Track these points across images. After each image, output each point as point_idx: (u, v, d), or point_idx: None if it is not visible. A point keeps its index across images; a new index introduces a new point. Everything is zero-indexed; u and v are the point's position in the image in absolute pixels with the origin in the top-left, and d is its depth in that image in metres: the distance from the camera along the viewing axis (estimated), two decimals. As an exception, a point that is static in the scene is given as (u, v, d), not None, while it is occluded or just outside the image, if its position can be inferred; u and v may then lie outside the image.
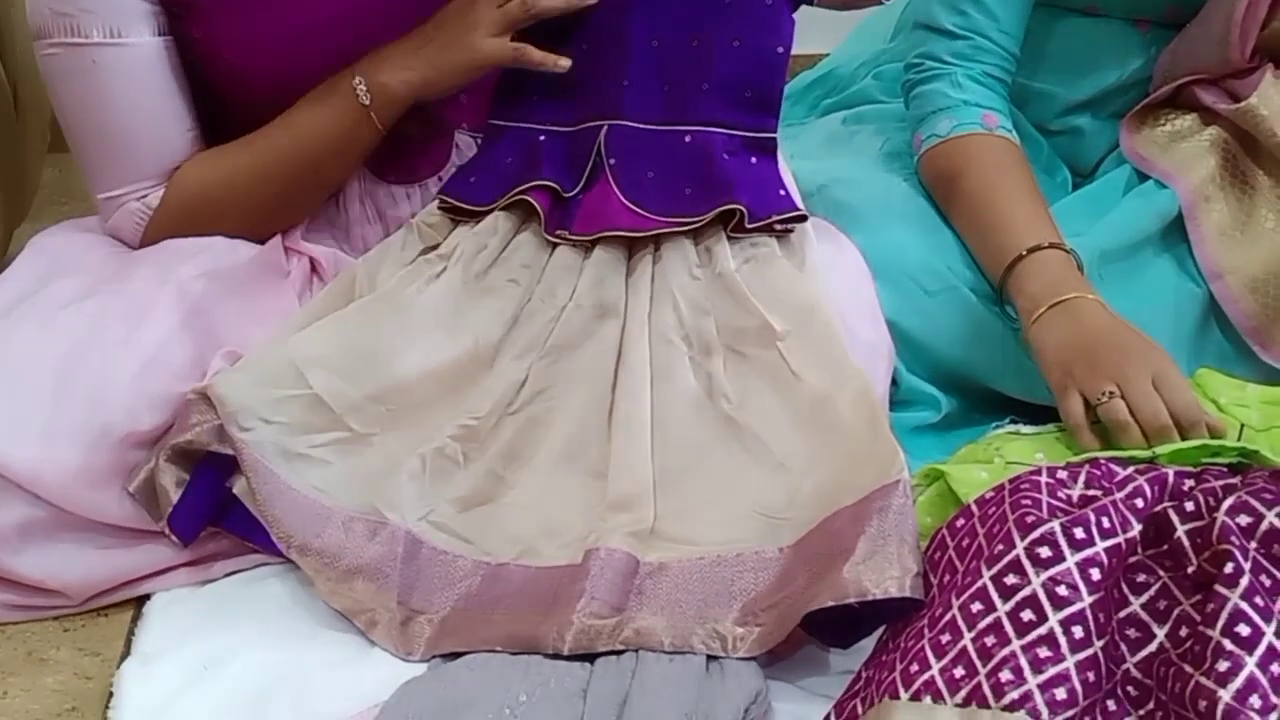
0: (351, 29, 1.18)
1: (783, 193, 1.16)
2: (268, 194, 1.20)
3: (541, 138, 1.19)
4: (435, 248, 1.19)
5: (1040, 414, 1.14)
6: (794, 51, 1.19)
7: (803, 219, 1.16)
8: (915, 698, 0.83)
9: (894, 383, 1.19)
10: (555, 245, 1.16)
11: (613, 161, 1.16)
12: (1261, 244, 1.19)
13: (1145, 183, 1.26)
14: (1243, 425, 1.03)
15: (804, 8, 1.20)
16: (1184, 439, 0.99)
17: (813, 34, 1.31)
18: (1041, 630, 0.82)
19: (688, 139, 1.17)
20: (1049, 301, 1.10)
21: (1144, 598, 0.86)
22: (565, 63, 1.17)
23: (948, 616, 0.85)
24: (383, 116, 1.19)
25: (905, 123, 1.32)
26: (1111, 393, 1.02)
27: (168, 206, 1.19)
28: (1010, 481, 0.91)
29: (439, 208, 1.21)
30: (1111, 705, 0.84)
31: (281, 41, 1.17)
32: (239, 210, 1.20)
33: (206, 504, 1.07)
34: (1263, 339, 1.18)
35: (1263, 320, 1.18)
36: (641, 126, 1.17)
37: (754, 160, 1.17)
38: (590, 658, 0.96)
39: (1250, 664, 0.78)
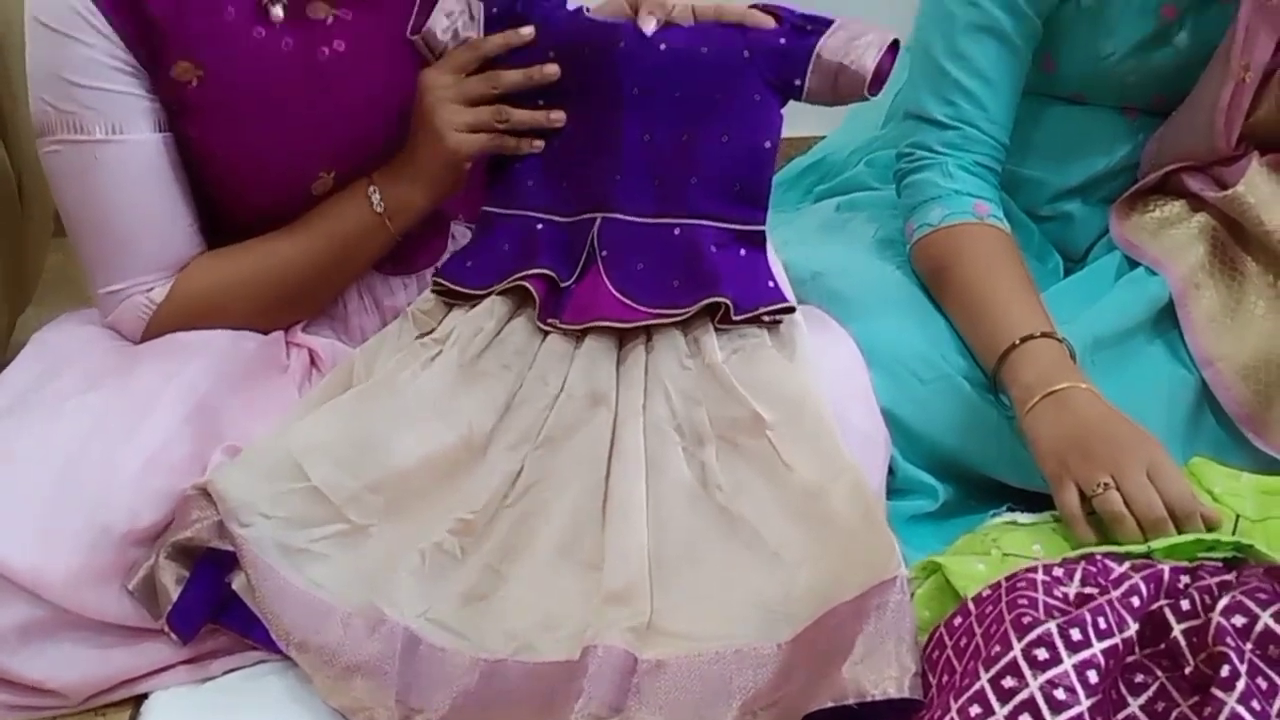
0: (336, 135, 1.19)
1: (771, 284, 1.17)
2: (275, 295, 1.22)
3: (539, 226, 1.21)
4: (431, 332, 1.20)
5: (1037, 501, 1.14)
6: (788, 134, 1.20)
7: (790, 310, 1.16)
8: (914, 801, 0.83)
9: (890, 471, 1.19)
10: (547, 333, 1.17)
11: (605, 253, 1.17)
12: (1252, 330, 1.19)
13: (1136, 269, 1.27)
14: (1238, 516, 1.03)
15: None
16: (1179, 530, 1.00)
17: (806, 117, 1.32)
18: (1040, 735, 0.82)
19: (677, 231, 1.17)
20: (1042, 391, 1.10)
21: (1142, 699, 0.86)
22: (539, 144, 1.20)
23: None
24: (397, 223, 1.22)
25: (898, 210, 1.33)
26: (1106, 484, 1.02)
27: (173, 303, 1.20)
28: (1007, 580, 0.91)
29: (433, 290, 1.22)
30: (1111, 810, 0.84)
31: (270, 143, 1.18)
32: (245, 309, 1.22)
33: (206, 601, 1.07)
34: (1256, 426, 1.18)
35: (1255, 407, 1.18)
36: (633, 220, 1.18)
37: (743, 253, 1.17)
38: (589, 759, 0.95)
39: (1249, 769, 0.79)
